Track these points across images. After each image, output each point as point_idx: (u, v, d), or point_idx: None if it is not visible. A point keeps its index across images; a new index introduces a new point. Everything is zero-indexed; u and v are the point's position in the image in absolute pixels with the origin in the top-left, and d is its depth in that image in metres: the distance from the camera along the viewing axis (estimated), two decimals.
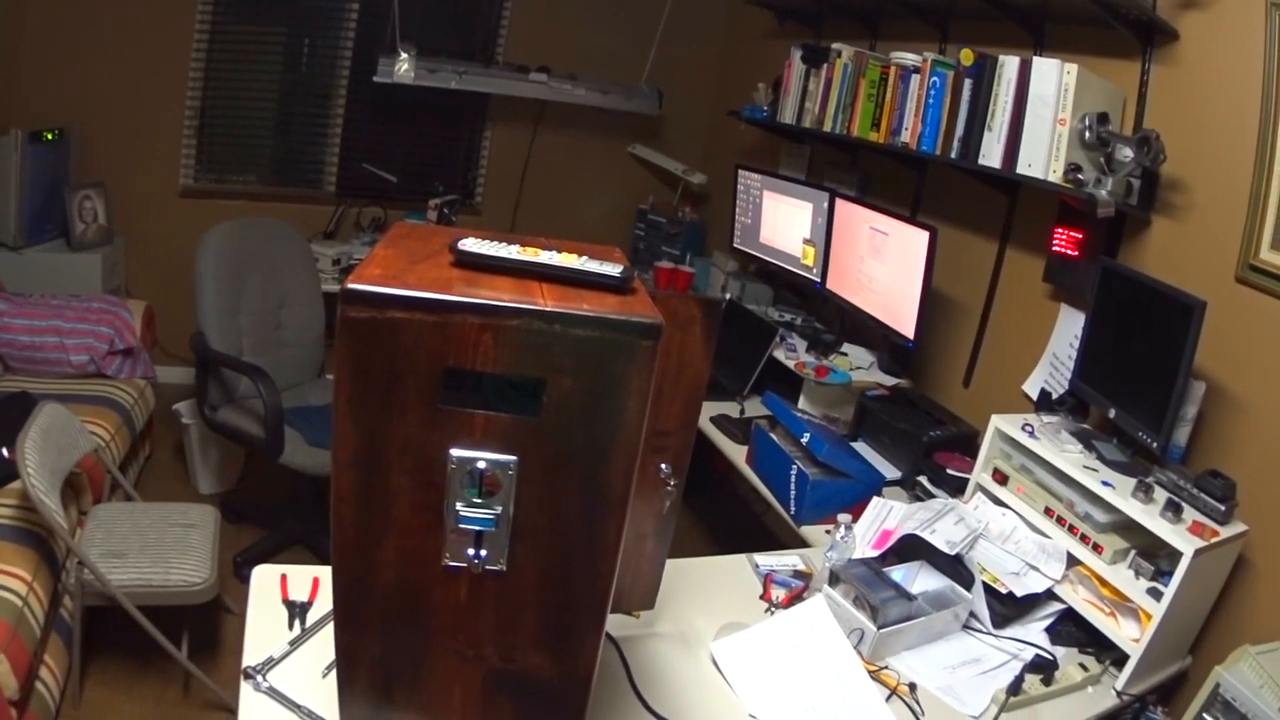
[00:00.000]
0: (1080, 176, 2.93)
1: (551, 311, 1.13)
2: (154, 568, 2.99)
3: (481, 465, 1.20)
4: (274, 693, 1.86)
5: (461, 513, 1.23)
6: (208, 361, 3.89)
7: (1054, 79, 3.01)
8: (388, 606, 1.33)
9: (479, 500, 1.22)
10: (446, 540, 1.26)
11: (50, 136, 4.72)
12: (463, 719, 1.43)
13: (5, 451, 2.87)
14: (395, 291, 1.11)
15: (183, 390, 4.10)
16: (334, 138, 5.65)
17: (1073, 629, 2.56)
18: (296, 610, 2.13)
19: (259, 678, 1.89)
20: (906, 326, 3.67)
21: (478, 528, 1.24)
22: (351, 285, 1.11)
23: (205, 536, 3.18)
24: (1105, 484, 2.53)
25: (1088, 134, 2.91)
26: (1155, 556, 2.45)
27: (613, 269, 1.25)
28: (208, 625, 3.20)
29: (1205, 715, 2.24)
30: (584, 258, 1.27)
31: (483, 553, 1.26)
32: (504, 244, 1.28)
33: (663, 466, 1.67)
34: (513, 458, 1.21)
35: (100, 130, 5.02)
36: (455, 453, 1.20)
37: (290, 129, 5.67)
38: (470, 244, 1.26)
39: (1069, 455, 2.69)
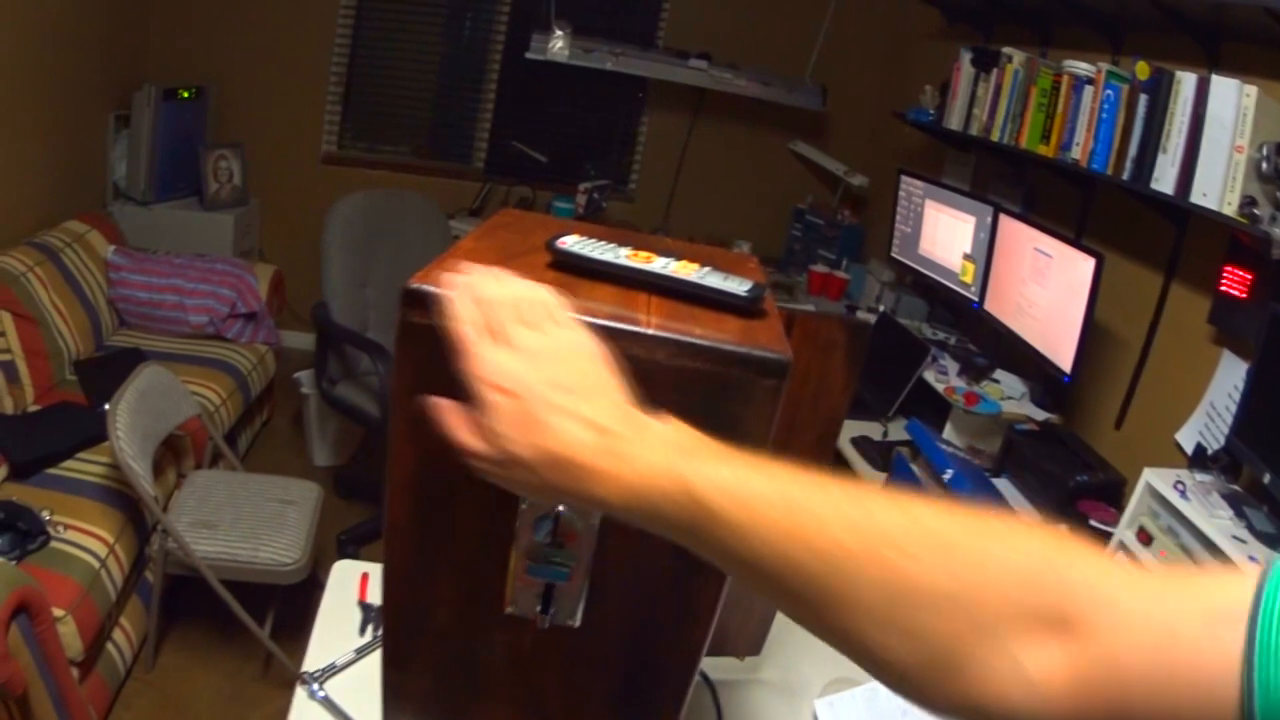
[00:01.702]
0: (1256, 211, 2.66)
1: (654, 336, 0.93)
2: (244, 543, 2.91)
3: (560, 509, 1.01)
4: (329, 703, 1.74)
5: (531, 560, 1.04)
6: (329, 334, 3.81)
7: (1233, 101, 2.76)
8: (441, 647, 1.15)
9: (553, 548, 1.03)
10: (512, 588, 1.07)
11: (187, 95, 4.76)
12: None
13: (107, 407, 2.79)
14: None
15: (310, 358, 4.04)
16: (485, 114, 5.59)
17: None
18: (371, 615, 2.00)
19: (315, 685, 1.77)
20: (1064, 358, 3.44)
21: (548, 579, 1.05)
22: (413, 284, 0.92)
23: (304, 515, 3.10)
24: (1252, 559, 2.31)
25: (1265, 165, 2.65)
26: None
27: (739, 285, 1.03)
28: (299, 601, 3.09)
29: None
30: (706, 268, 1.06)
31: (552, 609, 1.07)
32: (613, 245, 1.08)
33: None
34: None
35: (241, 91, 5.05)
36: None
37: (440, 102, 5.62)
38: (571, 242, 1.06)
39: (1219, 522, 2.47)
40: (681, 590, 1.07)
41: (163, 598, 3.03)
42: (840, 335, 1.37)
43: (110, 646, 2.86)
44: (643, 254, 1.06)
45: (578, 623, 1.09)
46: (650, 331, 0.93)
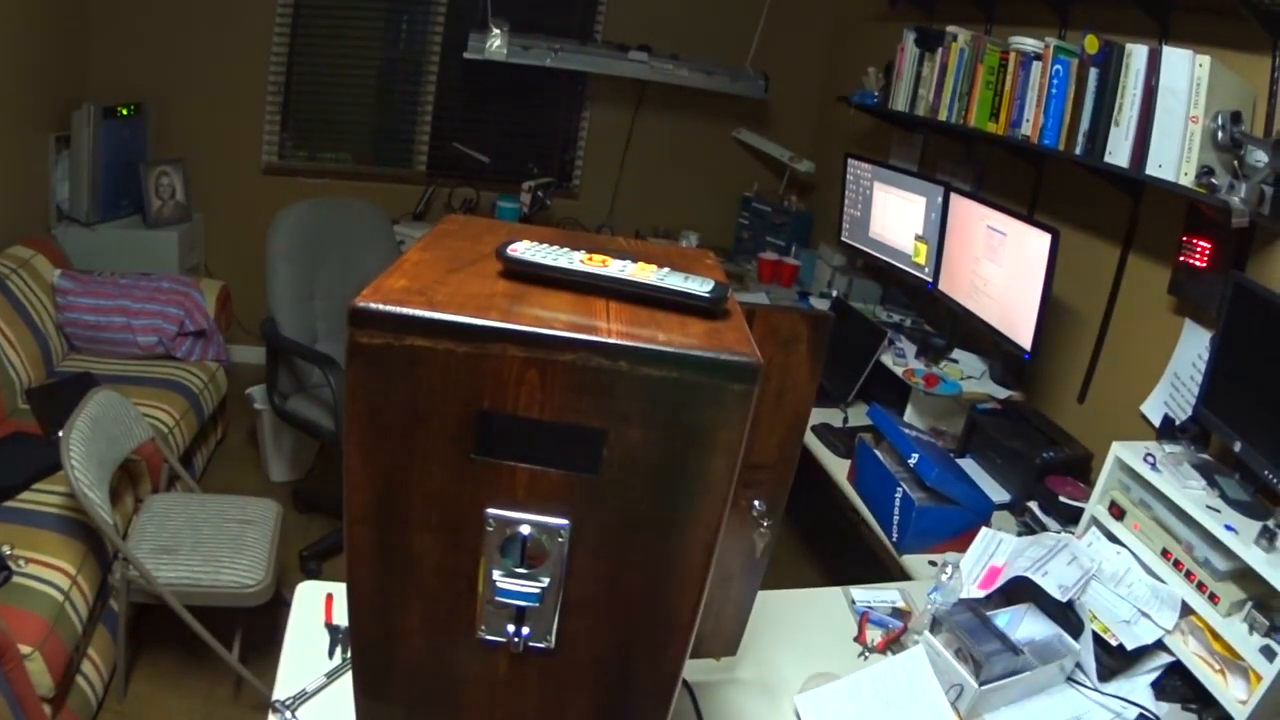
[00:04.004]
0: (1214, 181, 2.65)
1: (616, 345, 0.88)
2: (204, 566, 2.86)
3: (525, 530, 0.96)
4: None
5: (499, 584, 0.99)
6: (278, 348, 3.75)
7: (1186, 71, 2.73)
8: (413, 675, 1.11)
9: (521, 571, 0.98)
10: (482, 612, 1.02)
11: (126, 112, 4.68)
12: None
13: (61, 434, 2.73)
14: (414, 312, 0.87)
15: (262, 372, 3.98)
16: (425, 116, 5.53)
17: (1178, 683, 2.33)
18: (339, 637, 1.96)
19: (287, 713, 1.72)
20: (1023, 335, 3.41)
21: (519, 603, 1.00)
22: (360, 303, 0.87)
23: (263, 535, 3.04)
24: (1228, 528, 2.28)
25: (1221, 134, 2.62)
26: (1271, 610, 2.20)
27: (701, 285, 0.99)
28: (265, 620, 3.05)
29: None
30: (665, 270, 1.02)
31: (524, 630, 1.03)
32: (566, 249, 1.03)
33: (756, 503, 1.43)
34: (564, 522, 0.97)
35: (180, 106, 4.98)
36: (493, 513, 0.96)
37: (379, 106, 5.56)
38: (522, 249, 1.01)
39: (1192, 493, 2.44)
40: (657, 605, 1.03)
41: (129, 626, 2.96)
42: (803, 329, 1.33)
43: (80, 679, 2.79)
44: (598, 257, 1.01)
45: (552, 645, 1.05)
46: (612, 341, 0.89)
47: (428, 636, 1.07)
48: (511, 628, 1.03)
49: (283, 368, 3.82)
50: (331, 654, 1.92)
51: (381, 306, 0.87)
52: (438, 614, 1.05)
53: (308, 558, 3.72)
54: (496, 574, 0.99)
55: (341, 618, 1.99)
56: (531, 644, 1.04)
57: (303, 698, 1.77)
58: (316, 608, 2.02)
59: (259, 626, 3.07)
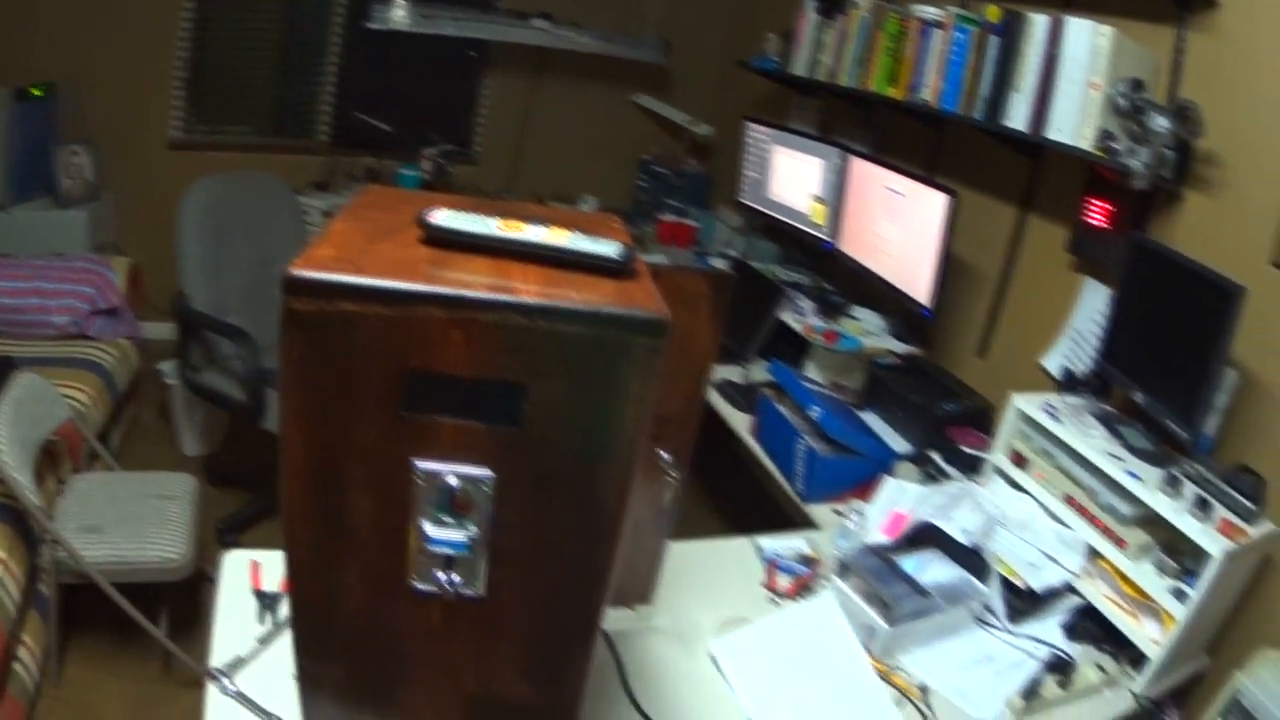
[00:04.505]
0: (1114, 145, 2.75)
1: (533, 304, 0.94)
2: (129, 543, 2.86)
3: (452, 481, 1.02)
4: (242, 698, 1.72)
5: (430, 534, 1.05)
6: (189, 322, 3.74)
7: (1087, 41, 2.84)
8: (351, 630, 1.16)
9: (450, 520, 1.04)
10: (414, 563, 1.08)
11: (38, 93, 4.60)
12: None
13: None
14: (345, 279, 0.92)
15: (172, 348, 3.96)
16: (328, 86, 5.49)
17: (1090, 625, 2.43)
18: (267, 602, 1.99)
19: (226, 681, 1.75)
20: (921, 293, 3.50)
21: (449, 551, 1.06)
22: (295, 271, 0.92)
23: (183, 509, 3.05)
24: (1131, 474, 2.38)
25: (1122, 101, 2.72)
26: (1179, 553, 2.31)
27: (610, 248, 1.06)
28: (189, 597, 3.06)
29: None
30: (575, 233, 1.08)
31: (455, 577, 1.08)
32: (483, 216, 1.09)
33: (663, 455, 1.50)
34: (489, 473, 1.03)
35: (89, 85, 4.90)
36: (421, 466, 1.02)
37: (283, 78, 5.51)
38: (443, 217, 1.06)
39: (1093, 441, 2.55)
40: (579, 551, 1.10)
41: (60, 609, 2.96)
42: (704, 288, 1.40)
43: (17, 666, 2.77)
44: (513, 223, 1.07)
45: (482, 591, 1.11)
46: (530, 301, 0.95)
47: (365, 591, 1.12)
48: (442, 575, 1.09)
49: (194, 342, 3.81)
50: (262, 620, 1.95)
51: (314, 274, 0.92)
52: (373, 569, 1.10)
53: (224, 530, 3.72)
54: (426, 524, 1.05)
55: (268, 584, 2.02)
56: (463, 592, 1.10)
57: (238, 664, 1.80)
58: (243, 575, 2.05)
59: (182, 602, 3.08)
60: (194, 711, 1.71)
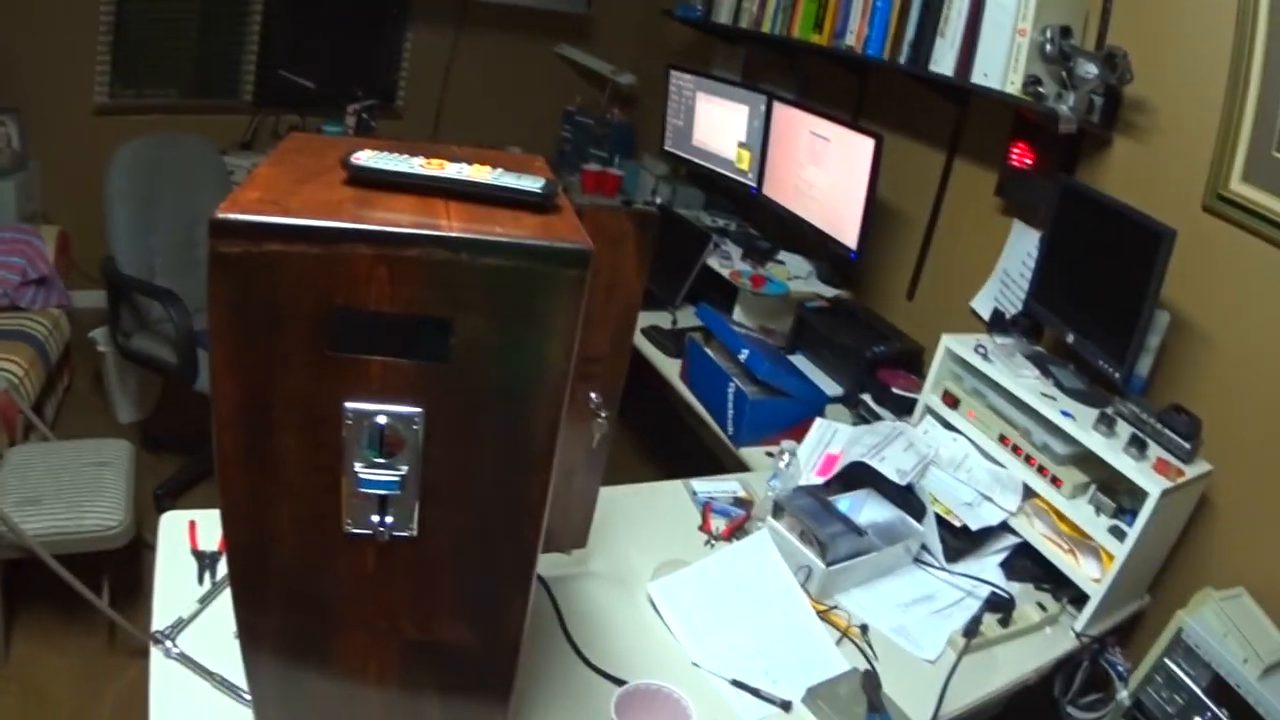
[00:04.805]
0: (1041, 90, 2.77)
1: (457, 238, 0.94)
2: (68, 513, 2.82)
3: (381, 420, 1.02)
4: (185, 659, 1.71)
5: (361, 475, 1.05)
6: (119, 287, 3.69)
7: None
8: (287, 578, 1.16)
9: (381, 460, 1.05)
10: (347, 504, 1.08)
11: None
12: (381, 690, 1.28)
13: None
14: (271, 220, 0.92)
15: (103, 315, 3.91)
16: (250, 46, 5.41)
17: (1028, 564, 2.47)
18: (206, 562, 1.97)
19: (168, 643, 1.74)
20: (849, 236, 3.53)
21: (381, 491, 1.06)
22: (221, 214, 0.91)
23: (119, 475, 3.02)
24: (1065, 414, 2.42)
25: (1049, 47, 2.74)
26: (1115, 492, 2.34)
27: (532, 183, 1.06)
28: (130, 565, 3.03)
29: (1167, 661, 2.18)
30: (499, 170, 1.08)
31: (388, 518, 1.09)
32: (406, 156, 1.09)
33: (592, 396, 1.51)
34: (417, 410, 1.03)
35: (13, 54, 4.78)
36: (350, 406, 1.02)
37: (206, 39, 5.42)
38: (365, 158, 1.06)
39: (1025, 381, 2.57)
40: (510, 488, 1.11)
41: (2, 586, 2.93)
42: (629, 226, 1.40)
43: None
44: (435, 162, 1.07)
45: (415, 531, 1.11)
46: (455, 234, 0.95)
47: (299, 537, 1.12)
48: (375, 518, 1.09)
49: (124, 307, 3.77)
50: (201, 580, 1.94)
51: (239, 216, 0.92)
52: (306, 512, 1.10)
53: (161, 496, 3.70)
54: (357, 465, 1.05)
55: (206, 543, 2.01)
56: (396, 533, 1.11)
57: (180, 625, 1.79)
58: (181, 536, 2.03)
59: (124, 571, 3.05)
60: (141, 681, 1.70)
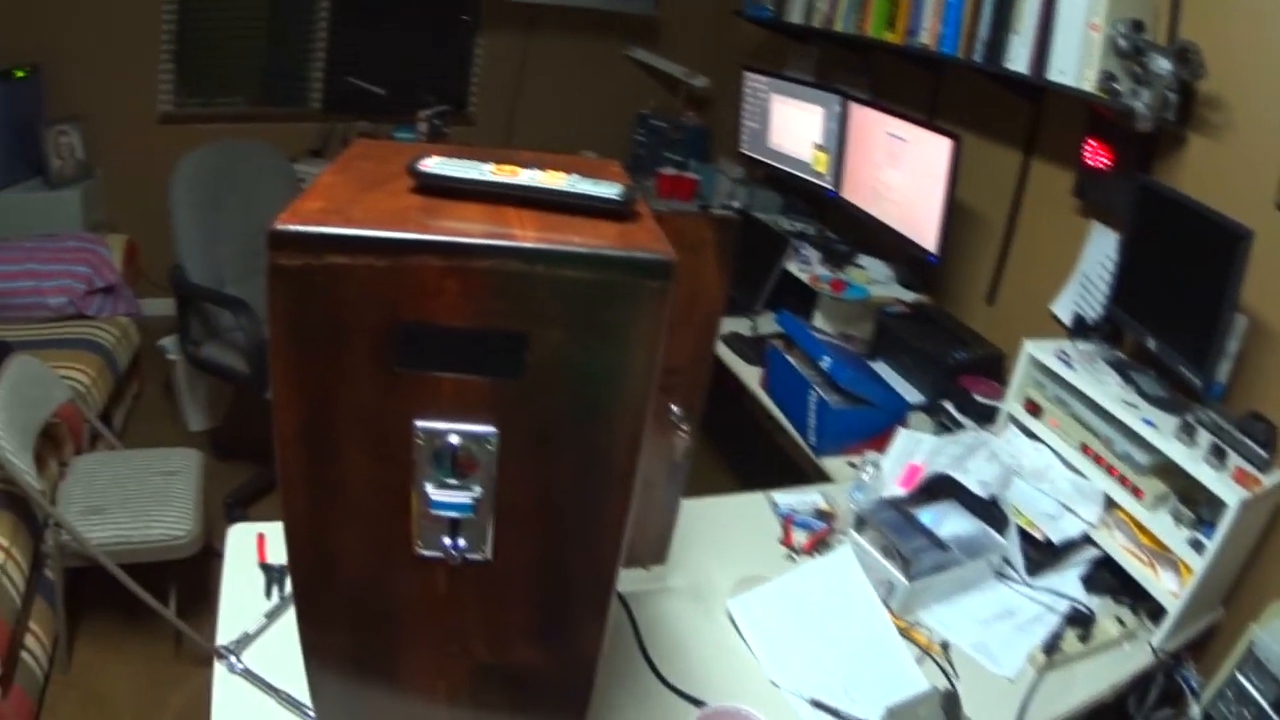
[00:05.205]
0: (1116, 86, 2.69)
1: (532, 249, 0.89)
2: (134, 523, 2.83)
3: (453, 440, 0.97)
4: (250, 675, 1.69)
5: (432, 496, 1.00)
6: (188, 296, 3.70)
7: None
8: (353, 597, 1.12)
9: (453, 481, 1.00)
10: (417, 526, 1.03)
11: (21, 74, 4.55)
12: (450, 711, 1.23)
13: None
14: (333, 230, 0.87)
15: (173, 323, 3.92)
16: (318, 52, 5.44)
17: (1107, 576, 2.40)
18: (274, 575, 1.95)
19: (233, 658, 1.72)
20: (928, 239, 3.46)
21: (453, 514, 1.02)
22: (279, 225, 0.86)
23: (187, 484, 3.01)
24: (1147, 422, 2.34)
25: (1122, 42, 2.66)
26: (1195, 503, 2.27)
27: (610, 189, 1.00)
28: (198, 573, 3.02)
29: (1238, 675, 2.11)
30: (574, 176, 1.03)
31: (460, 541, 1.04)
32: (475, 162, 1.03)
33: (673, 408, 1.46)
34: (492, 429, 0.98)
35: (75, 64, 4.85)
36: (421, 425, 0.97)
37: (272, 46, 5.45)
38: (433, 164, 1.01)
39: (1108, 388, 2.50)
40: (589, 509, 1.05)
41: (67, 594, 2.93)
42: (709, 232, 1.35)
43: (25, 655, 2.73)
44: (508, 168, 1.02)
45: (489, 555, 1.06)
46: (529, 244, 0.89)
47: (365, 557, 1.08)
48: (447, 540, 1.04)
49: (194, 315, 3.78)
50: (269, 594, 1.91)
51: (300, 227, 0.87)
52: (373, 533, 1.06)
53: (232, 504, 3.70)
54: (429, 486, 1.00)
55: (275, 557, 1.99)
56: (468, 556, 1.06)
57: (246, 641, 1.77)
58: (249, 549, 2.02)
59: (192, 579, 3.05)
60: (204, 691, 1.68)
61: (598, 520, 1.06)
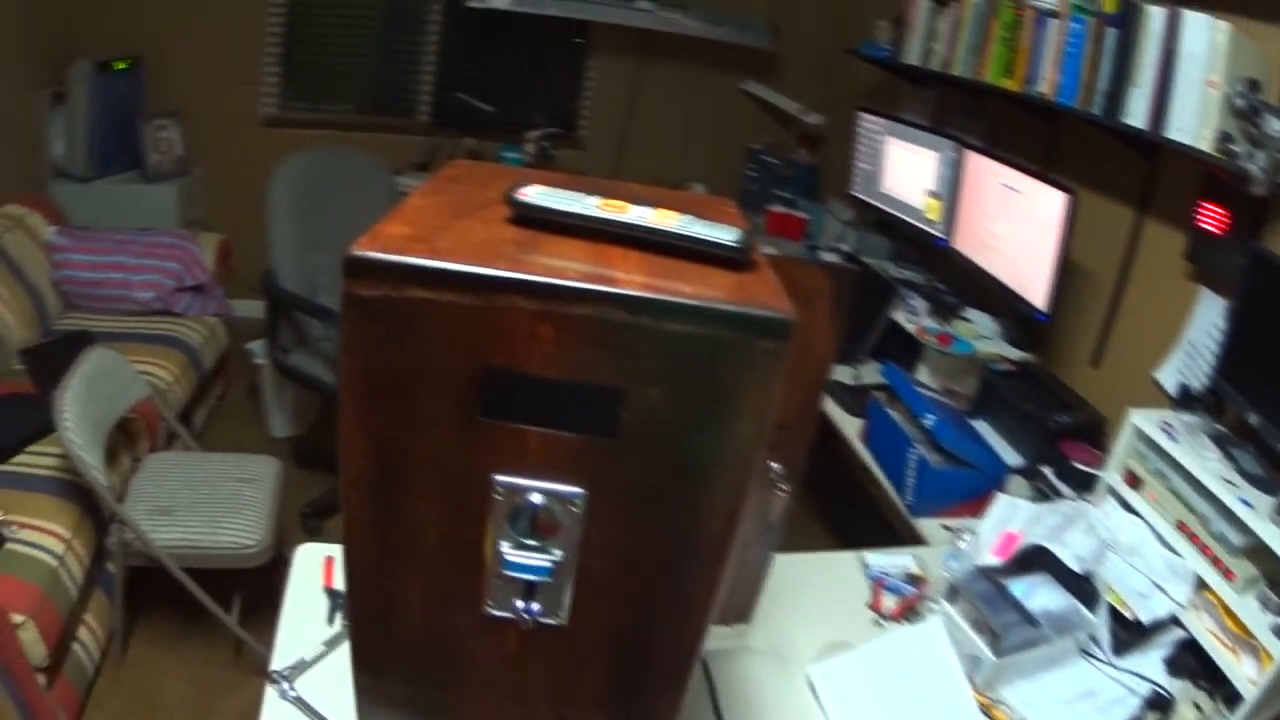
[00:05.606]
0: (1233, 147, 2.57)
1: (637, 297, 0.80)
2: (203, 527, 2.79)
3: (536, 499, 0.88)
4: (301, 703, 1.62)
5: (507, 556, 0.92)
6: (279, 302, 3.67)
7: (1205, 36, 2.66)
8: (414, 650, 1.04)
9: (531, 543, 0.91)
10: (489, 585, 0.95)
11: (122, 66, 4.60)
12: None
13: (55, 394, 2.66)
14: (417, 261, 0.79)
15: (261, 326, 3.92)
16: (428, 66, 5.44)
17: (1189, 657, 2.27)
18: (339, 602, 1.89)
19: (285, 684, 1.65)
20: (1037, 295, 3.33)
21: (529, 577, 0.93)
22: (357, 251, 0.79)
23: (263, 493, 2.98)
24: (1244, 502, 2.22)
25: (1239, 101, 2.54)
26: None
27: (726, 234, 0.91)
28: (266, 580, 2.98)
29: None
30: (687, 217, 0.94)
31: (534, 606, 0.95)
32: (580, 194, 0.95)
33: (774, 466, 1.36)
34: (579, 490, 0.89)
35: (178, 60, 4.90)
36: (500, 479, 0.89)
37: (381, 57, 5.46)
38: (533, 193, 0.93)
39: (1208, 464, 2.38)
40: (677, 579, 0.96)
41: (126, 590, 2.90)
42: (824, 283, 1.26)
43: (77, 646, 2.72)
44: (614, 203, 0.93)
45: (564, 620, 0.98)
46: (633, 292, 0.81)
47: (429, 609, 1.00)
48: (520, 603, 0.96)
49: (284, 322, 3.75)
50: (331, 620, 1.86)
51: (380, 255, 0.79)
52: (440, 586, 0.98)
53: (309, 515, 3.67)
54: (504, 546, 0.92)
55: (341, 581, 1.92)
56: (542, 620, 0.97)
57: (301, 667, 1.71)
58: (316, 571, 1.96)
59: (260, 587, 3.01)
60: (257, 703, 1.63)
61: (686, 591, 0.97)
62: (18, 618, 2.38)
